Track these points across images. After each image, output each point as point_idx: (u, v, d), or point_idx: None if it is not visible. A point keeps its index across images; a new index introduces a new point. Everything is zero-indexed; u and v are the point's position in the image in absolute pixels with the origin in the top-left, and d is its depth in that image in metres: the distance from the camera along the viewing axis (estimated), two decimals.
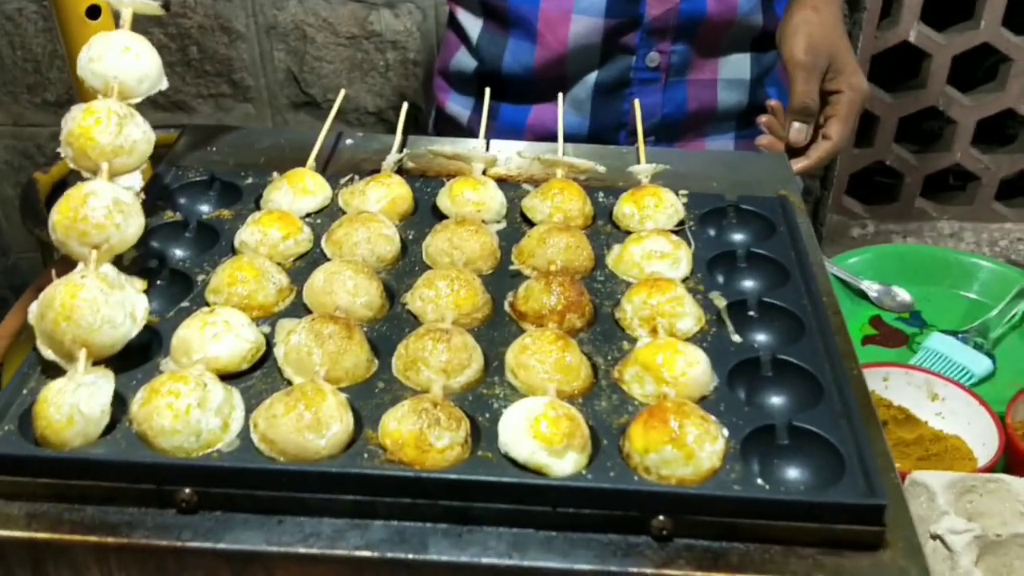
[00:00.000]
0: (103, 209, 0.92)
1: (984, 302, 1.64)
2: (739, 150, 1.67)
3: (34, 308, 0.90)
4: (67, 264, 2.10)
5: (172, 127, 2.25)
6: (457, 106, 1.70)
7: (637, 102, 1.37)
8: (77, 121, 0.97)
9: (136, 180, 0.97)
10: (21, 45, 2.75)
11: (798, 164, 1.42)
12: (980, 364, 1.48)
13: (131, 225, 0.94)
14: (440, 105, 1.74)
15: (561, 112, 1.33)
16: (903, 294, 1.61)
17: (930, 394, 1.38)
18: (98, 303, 0.88)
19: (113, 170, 0.96)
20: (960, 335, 1.54)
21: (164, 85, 1.04)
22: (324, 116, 2.84)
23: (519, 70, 1.60)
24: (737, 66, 1.61)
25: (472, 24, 1.64)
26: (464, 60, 1.67)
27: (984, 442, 1.31)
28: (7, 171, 2.97)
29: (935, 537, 1.06)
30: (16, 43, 2.75)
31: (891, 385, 1.40)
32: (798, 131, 1.42)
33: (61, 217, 0.93)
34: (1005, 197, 2.85)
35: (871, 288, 1.61)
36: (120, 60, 1.00)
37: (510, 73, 1.60)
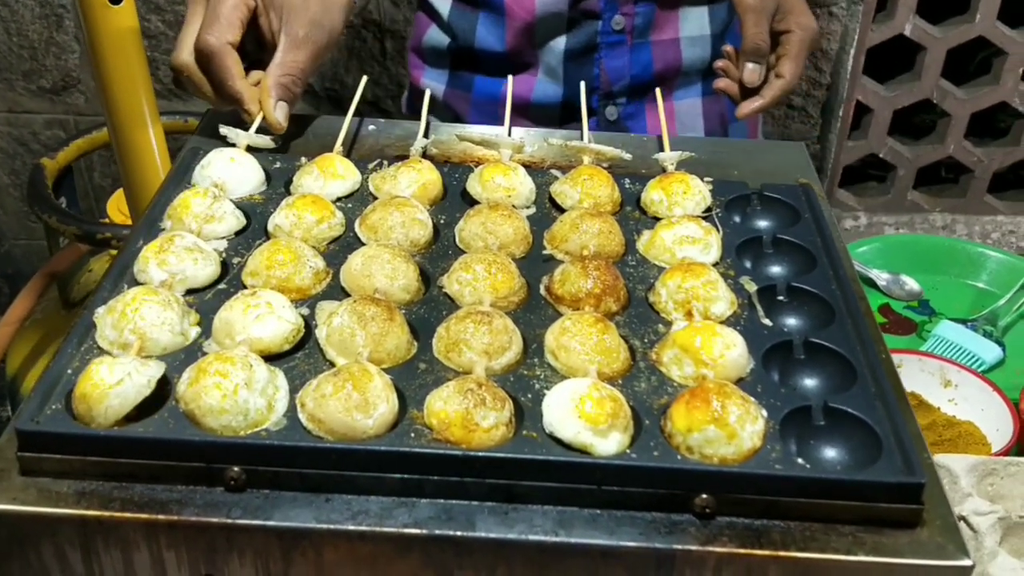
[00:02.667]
0: (185, 247, 1.02)
1: (992, 291, 1.66)
2: (707, 108, 1.73)
3: (102, 309, 0.96)
4: (74, 252, 2.09)
5: (175, 113, 2.25)
6: (432, 81, 1.72)
7: (658, 91, 1.38)
8: (179, 197, 1.11)
9: (222, 245, 1.09)
10: (17, 31, 2.74)
11: (753, 104, 1.45)
12: (990, 352, 1.50)
13: (207, 267, 1.03)
14: (415, 82, 1.76)
15: (584, 97, 1.34)
16: (911, 283, 1.63)
17: (943, 381, 1.40)
18: (165, 306, 0.95)
19: (203, 233, 1.07)
20: (969, 323, 1.56)
21: (263, 188, 1.19)
22: (320, 103, 2.85)
23: (493, 43, 1.63)
24: (697, 22, 1.66)
25: (442, 3, 1.67)
26: (436, 36, 1.69)
27: (998, 427, 1.33)
28: (3, 159, 2.95)
29: (959, 519, 1.08)
30: (12, 29, 2.74)
31: (904, 372, 1.42)
32: (751, 71, 1.45)
33: (147, 251, 1.02)
34: (997, 190, 2.88)
35: (880, 277, 1.63)
36: (226, 168, 1.17)
37: (483, 48, 1.64)
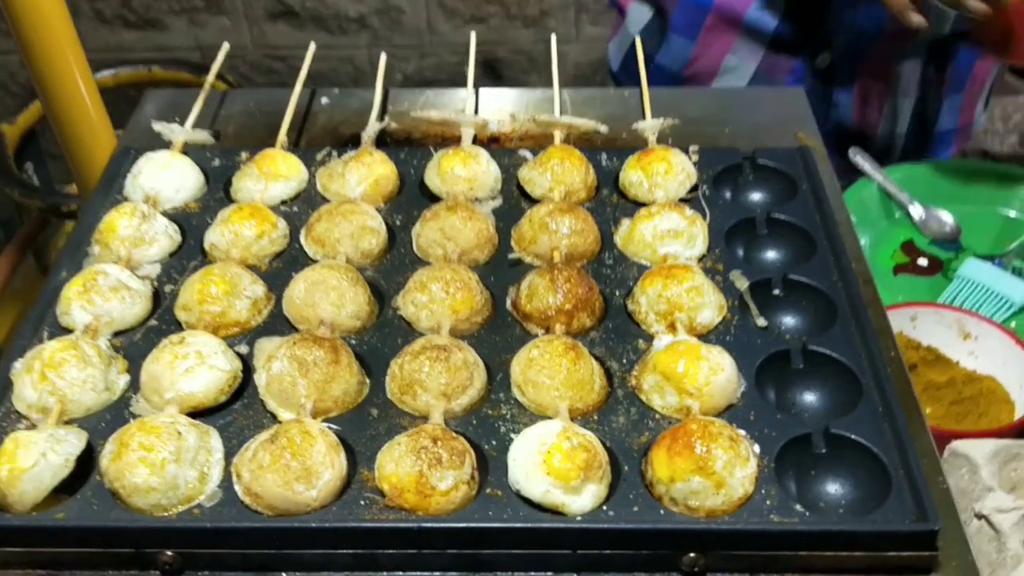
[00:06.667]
0: (111, 286, 0.92)
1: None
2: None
3: (19, 364, 0.87)
4: (39, 225, 1.98)
5: (145, 61, 2.11)
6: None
7: (639, 40, 1.25)
8: (105, 219, 1.00)
9: (155, 270, 0.99)
10: None
11: None
12: (1020, 291, 1.37)
13: (135, 305, 0.93)
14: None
15: (555, 57, 1.20)
16: (950, 220, 1.47)
17: (962, 333, 1.29)
18: (86, 362, 0.85)
19: (133, 260, 0.97)
20: (997, 259, 1.43)
21: (202, 191, 1.08)
22: (303, 25, 2.69)
23: None
24: None
25: None
26: None
27: (1022, 383, 1.23)
28: None
29: (980, 516, 0.99)
30: None
31: (919, 325, 1.31)
32: None
33: (71, 286, 0.93)
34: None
35: (916, 211, 1.49)
36: (159, 175, 1.07)
37: None
